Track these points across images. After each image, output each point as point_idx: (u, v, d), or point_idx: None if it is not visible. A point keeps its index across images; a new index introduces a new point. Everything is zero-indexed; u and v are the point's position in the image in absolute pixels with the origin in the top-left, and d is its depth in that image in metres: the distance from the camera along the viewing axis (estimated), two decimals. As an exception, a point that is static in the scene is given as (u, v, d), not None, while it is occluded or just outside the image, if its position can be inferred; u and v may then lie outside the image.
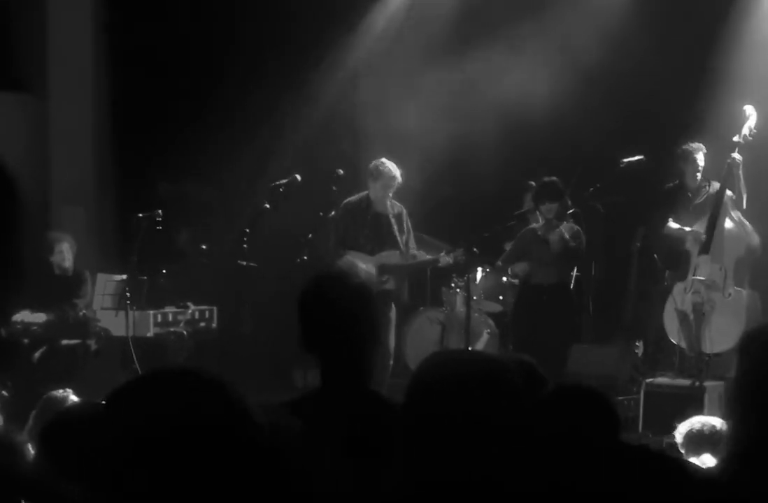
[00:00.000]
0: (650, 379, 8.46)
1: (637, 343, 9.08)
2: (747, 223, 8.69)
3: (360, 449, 3.01)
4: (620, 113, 9.94)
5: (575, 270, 9.17)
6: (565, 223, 8.60)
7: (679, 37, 9.79)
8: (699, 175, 8.91)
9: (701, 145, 8.89)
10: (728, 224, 8.63)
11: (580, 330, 9.24)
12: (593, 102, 10.10)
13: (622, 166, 9.05)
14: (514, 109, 10.37)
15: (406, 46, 10.92)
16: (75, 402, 4.79)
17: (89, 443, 2.82)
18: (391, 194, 9.11)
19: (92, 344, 9.77)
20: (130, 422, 1.67)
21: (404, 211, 9.24)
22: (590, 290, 9.29)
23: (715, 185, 8.77)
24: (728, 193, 8.66)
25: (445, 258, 9.14)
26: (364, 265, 9.00)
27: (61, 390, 5.04)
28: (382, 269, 9.08)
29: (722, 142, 8.71)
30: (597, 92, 10.12)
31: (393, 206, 9.21)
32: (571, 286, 8.83)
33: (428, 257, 9.32)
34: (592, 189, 9.02)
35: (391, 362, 9.11)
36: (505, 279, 9.96)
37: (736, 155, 8.54)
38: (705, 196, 8.85)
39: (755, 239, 8.67)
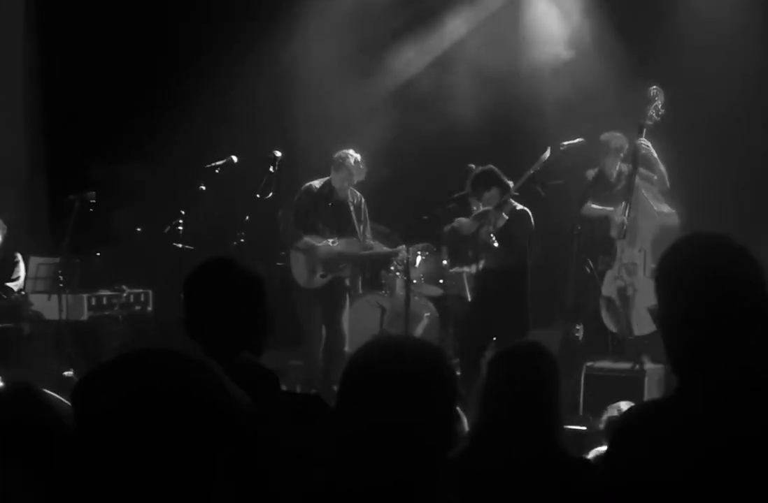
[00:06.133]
0: (591, 363, 8.47)
1: (577, 327, 9.08)
2: (663, 203, 8.77)
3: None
4: (562, 96, 9.96)
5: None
6: (503, 214, 8.50)
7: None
8: (618, 162, 9.00)
9: (614, 134, 8.97)
10: (641, 206, 8.68)
11: (529, 317, 9.21)
12: (533, 85, 10.12)
13: (562, 149, 9.03)
14: (454, 92, 10.37)
15: (346, 29, 10.82)
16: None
17: (20, 423, 2.74)
18: (352, 185, 9.13)
19: (25, 328, 9.65)
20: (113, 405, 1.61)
21: (363, 200, 9.25)
22: (531, 274, 9.25)
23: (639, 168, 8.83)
24: (644, 173, 8.73)
25: (404, 253, 9.19)
26: (322, 243, 8.97)
27: None
28: (341, 256, 9.05)
29: (633, 126, 8.80)
30: (538, 76, 10.14)
31: (353, 195, 9.26)
32: (521, 271, 8.71)
33: (387, 249, 9.40)
34: (532, 172, 8.97)
35: (347, 348, 9.05)
36: (444, 262, 9.91)
37: (642, 140, 8.62)
38: (624, 181, 8.91)
39: (671, 218, 8.73)
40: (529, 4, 10.61)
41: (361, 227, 9.27)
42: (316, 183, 9.17)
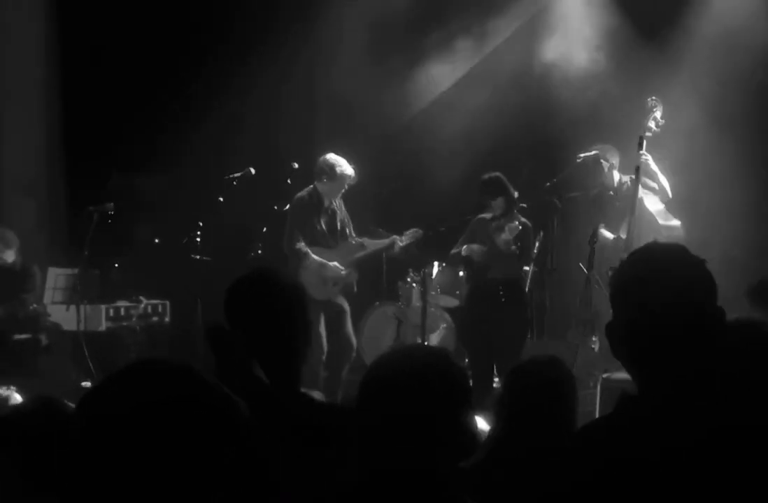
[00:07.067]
0: (607, 374, 8.45)
1: (593, 338, 9.07)
2: (667, 214, 8.71)
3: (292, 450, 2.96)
4: (580, 108, 9.97)
5: (531, 265, 9.16)
6: (510, 224, 8.53)
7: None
8: (616, 173, 8.96)
9: (608, 147, 8.94)
10: (645, 219, 8.61)
11: (532, 325, 9.22)
12: (551, 97, 10.12)
13: (578, 161, 9.03)
14: (472, 102, 10.37)
15: (367, 39, 10.85)
16: (19, 400, 4.71)
17: (41, 438, 2.77)
18: (341, 193, 9.07)
19: (43, 339, 9.67)
20: (111, 416, 1.64)
21: (341, 202, 9.22)
22: (547, 285, 9.27)
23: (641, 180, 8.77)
24: (646, 185, 8.69)
25: (398, 244, 9.11)
26: (332, 263, 8.93)
27: (4, 388, 4.95)
28: (346, 263, 9.03)
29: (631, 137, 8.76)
30: (555, 87, 10.14)
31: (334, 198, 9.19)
32: (523, 280, 8.78)
33: (381, 243, 9.27)
34: (548, 184, 8.99)
35: (353, 354, 9.07)
36: (461, 273, 9.91)
37: (642, 152, 8.57)
38: (628, 192, 8.86)
39: (677, 230, 8.67)
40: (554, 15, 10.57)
41: (348, 229, 9.23)
42: (304, 194, 9.03)
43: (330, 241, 9.08)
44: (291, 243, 8.95)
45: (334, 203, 9.11)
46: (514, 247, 8.37)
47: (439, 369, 2.44)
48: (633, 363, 2.37)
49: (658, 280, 2.34)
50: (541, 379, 3.61)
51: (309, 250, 8.93)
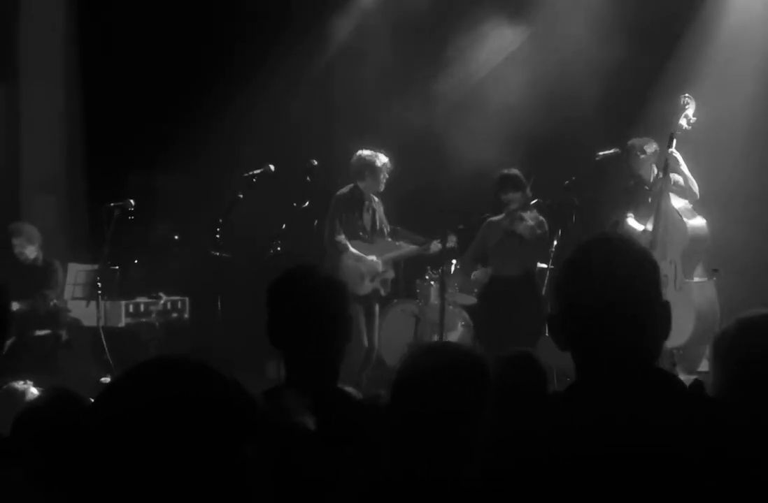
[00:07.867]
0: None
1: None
2: (693, 213, 8.67)
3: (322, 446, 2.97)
4: (599, 106, 9.95)
5: (550, 262, 9.16)
6: (527, 212, 8.61)
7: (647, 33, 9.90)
8: (653, 167, 8.91)
9: (647, 139, 8.90)
10: (671, 217, 8.58)
11: (545, 321, 9.22)
12: (571, 93, 10.09)
13: (597, 159, 9.02)
14: (491, 99, 10.37)
15: (382, 34, 10.86)
16: (36, 393, 4.73)
17: (61, 430, 2.79)
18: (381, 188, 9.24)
19: (63, 334, 9.71)
20: (128, 410, 1.66)
21: (380, 201, 9.33)
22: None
23: (672, 178, 8.73)
24: (675, 183, 8.65)
25: (436, 245, 9.18)
26: (370, 257, 9.05)
27: (21, 382, 4.98)
28: (382, 260, 9.17)
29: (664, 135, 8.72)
30: (575, 84, 10.11)
31: (373, 196, 9.32)
32: (538, 276, 8.83)
33: (418, 246, 9.37)
34: (567, 182, 8.99)
35: (374, 356, 9.15)
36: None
37: (672, 150, 8.52)
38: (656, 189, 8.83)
39: (702, 229, 8.63)
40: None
41: (385, 229, 9.43)
42: (346, 191, 9.29)
43: (369, 236, 9.30)
44: (332, 235, 9.18)
45: (374, 202, 9.31)
46: (539, 231, 8.43)
47: (471, 367, 2.52)
48: (573, 355, 2.26)
49: (597, 269, 2.25)
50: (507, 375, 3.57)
51: (348, 243, 9.13)
